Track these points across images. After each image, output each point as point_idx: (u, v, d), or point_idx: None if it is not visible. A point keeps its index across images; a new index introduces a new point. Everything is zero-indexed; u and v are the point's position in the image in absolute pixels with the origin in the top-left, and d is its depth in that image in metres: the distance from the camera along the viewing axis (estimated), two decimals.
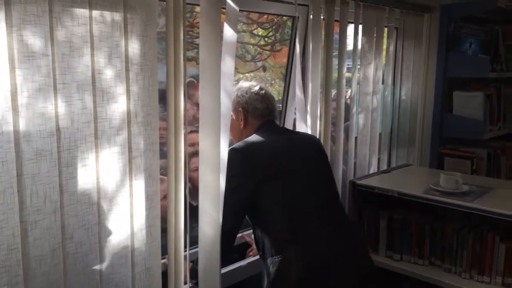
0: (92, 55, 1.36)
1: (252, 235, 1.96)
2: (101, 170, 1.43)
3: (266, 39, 3.48)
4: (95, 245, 1.43)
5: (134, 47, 1.46)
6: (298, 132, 2.04)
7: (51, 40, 1.27)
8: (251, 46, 4.44)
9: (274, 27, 3.56)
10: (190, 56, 2.39)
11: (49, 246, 1.33)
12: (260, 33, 4.13)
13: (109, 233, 1.47)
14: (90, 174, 1.40)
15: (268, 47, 3.47)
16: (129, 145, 1.49)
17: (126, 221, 1.51)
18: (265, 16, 3.31)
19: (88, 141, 1.38)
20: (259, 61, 4.57)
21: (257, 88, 1.91)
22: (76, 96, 1.34)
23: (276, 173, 1.73)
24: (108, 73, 1.41)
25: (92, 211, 1.42)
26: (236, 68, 4.69)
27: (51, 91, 1.28)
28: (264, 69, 4.37)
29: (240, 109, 1.89)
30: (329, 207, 1.79)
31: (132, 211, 1.52)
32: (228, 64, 1.73)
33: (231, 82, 1.75)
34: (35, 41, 1.23)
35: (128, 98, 1.47)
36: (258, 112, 1.88)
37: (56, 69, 1.29)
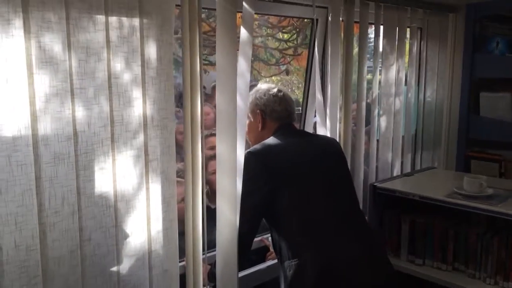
0: (109, 60, 1.39)
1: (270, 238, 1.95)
2: (118, 173, 1.45)
3: (288, 43, 3.48)
4: (113, 247, 1.45)
5: (150, 52, 1.48)
6: (317, 135, 2.03)
7: (68, 46, 1.30)
8: (276, 51, 4.43)
9: (296, 30, 3.55)
10: (214, 61, 2.40)
11: (67, 247, 1.35)
12: (285, 37, 4.13)
13: (126, 235, 1.49)
14: (107, 177, 1.42)
15: (290, 51, 3.46)
16: (145, 148, 1.51)
17: (143, 223, 1.53)
18: (287, 20, 3.31)
19: (105, 144, 1.41)
20: (283, 64, 4.57)
21: (275, 90, 1.90)
22: (93, 100, 1.37)
23: (292, 176, 1.72)
24: (125, 78, 1.43)
25: (110, 214, 1.44)
26: (259, 72, 4.72)
27: (68, 96, 1.31)
28: (287, 72, 4.37)
29: (258, 111, 1.88)
30: (346, 211, 1.77)
31: (149, 214, 1.54)
32: (243, 67, 1.74)
33: (246, 85, 1.76)
34: (52, 47, 1.26)
35: (144, 102, 1.49)
36: (276, 114, 1.87)
37: (73, 74, 1.32)
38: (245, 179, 1.72)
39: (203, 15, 2.01)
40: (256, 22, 3.21)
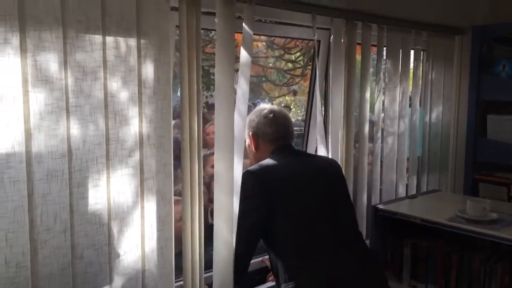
0: (106, 79, 1.41)
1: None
2: (112, 191, 1.45)
3: (295, 64, 3.51)
4: (105, 265, 1.45)
5: (148, 71, 1.50)
6: (316, 156, 2.02)
7: (64, 65, 1.32)
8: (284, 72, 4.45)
9: (303, 52, 3.58)
10: None
11: (59, 265, 1.35)
12: (293, 58, 4.15)
13: (119, 254, 1.49)
14: (101, 195, 1.43)
15: (298, 71, 3.48)
16: (141, 166, 1.51)
17: (137, 242, 1.52)
18: (293, 42, 3.34)
19: (100, 162, 1.42)
20: (292, 85, 4.59)
21: (266, 111, 1.88)
22: (88, 118, 1.38)
23: (290, 196, 1.70)
24: (121, 96, 1.45)
25: (103, 232, 1.44)
26: (268, 93, 4.73)
27: (64, 114, 1.33)
28: (295, 93, 4.38)
29: (250, 133, 1.88)
30: (344, 233, 1.74)
31: (144, 233, 1.54)
32: (242, 86, 1.75)
33: (245, 105, 1.76)
34: (48, 65, 1.28)
35: (141, 121, 1.50)
36: (268, 136, 1.85)
37: (69, 93, 1.34)
38: (242, 198, 1.71)
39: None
40: (264, 43, 3.25)
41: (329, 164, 1.90)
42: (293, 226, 1.68)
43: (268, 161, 1.79)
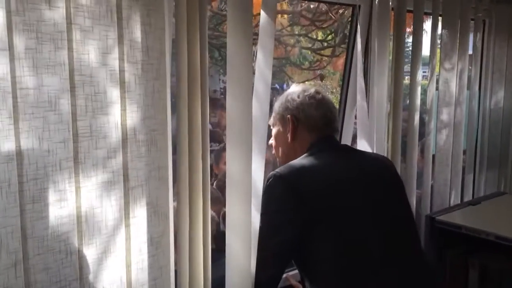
0: (71, 49, 1.01)
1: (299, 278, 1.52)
2: (84, 206, 1.06)
3: (324, 43, 3.04)
4: None
5: (133, 40, 1.09)
6: (366, 153, 1.54)
7: (9, 29, 0.92)
8: (309, 52, 4.00)
9: (336, 25, 3.11)
10: None
11: None
12: (320, 36, 3.69)
13: None
14: (67, 213, 1.03)
15: (327, 51, 3.00)
16: (124, 171, 1.11)
17: (121, 274, 1.13)
18: (325, 13, 2.88)
19: (65, 167, 1.02)
20: (318, 69, 4.11)
21: (312, 90, 1.46)
22: (46, 106, 0.98)
23: (333, 210, 1.27)
24: (95, 74, 1.04)
25: (71, 263, 1.05)
26: (291, 78, 4.27)
27: (9, 98, 0.93)
28: (322, 77, 3.91)
29: (288, 116, 1.44)
30: (404, 259, 1.29)
31: (130, 261, 1.14)
32: (263, 63, 1.32)
33: (267, 87, 1.34)
34: None
35: (124, 108, 1.09)
36: (312, 121, 1.42)
37: (17, 68, 0.94)
38: (270, 210, 1.29)
39: None
40: (287, 17, 2.79)
41: (384, 165, 1.44)
42: (337, 249, 1.25)
43: (303, 160, 1.35)
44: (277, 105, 1.48)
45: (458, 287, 1.70)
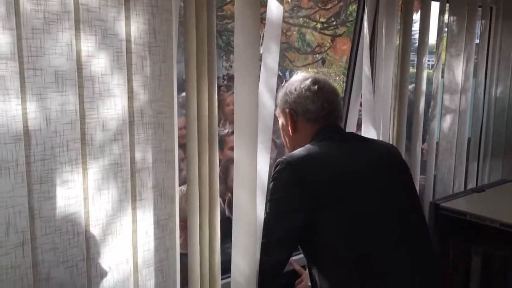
0: (78, 29, 1.00)
1: (306, 269, 1.52)
2: (91, 187, 1.06)
3: (326, 25, 3.02)
4: None
5: (139, 21, 1.08)
6: (372, 140, 1.53)
7: (16, 10, 0.91)
8: (311, 36, 3.96)
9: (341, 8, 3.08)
10: None
11: None
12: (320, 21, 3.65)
13: (102, 272, 1.10)
14: (74, 194, 1.03)
15: (329, 31, 2.98)
16: (131, 154, 1.11)
17: (127, 255, 1.13)
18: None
19: (72, 148, 1.02)
20: (318, 53, 4.08)
21: (308, 81, 1.43)
22: (53, 87, 0.98)
23: (340, 197, 1.27)
24: (101, 56, 1.04)
25: (78, 243, 1.05)
26: (291, 61, 4.22)
27: (16, 80, 0.93)
28: (323, 62, 3.87)
29: (287, 110, 1.44)
30: (413, 246, 1.30)
31: (136, 242, 1.15)
32: (270, 48, 1.31)
33: (274, 73, 1.33)
34: None
35: (130, 90, 1.09)
36: (310, 114, 1.40)
37: (24, 49, 0.93)
38: (274, 197, 1.29)
39: None
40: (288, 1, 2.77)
41: (390, 152, 1.44)
42: (345, 236, 1.24)
43: (310, 147, 1.34)
44: (279, 97, 1.46)
45: (460, 274, 1.71)
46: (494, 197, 1.89)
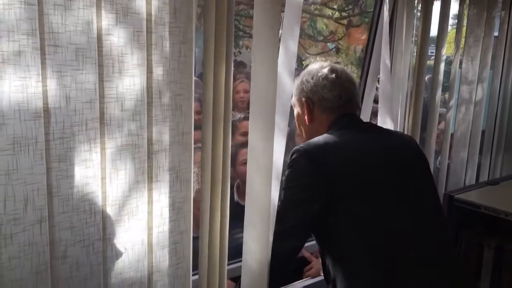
0: (99, 6, 0.98)
1: (316, 255, 1.52)
2: (109, 167, 1.05)
3: (343, 12, 2.98)
4: (98, 267, 1.07)
5: (159, 0, 1.07)
6: (390, 131, 1.51)
7: None
8: (323, 25, 3.93)
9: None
10: None
11: (32, 267, 0.98)
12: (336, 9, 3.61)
13: (117, 252, 1.10)
14: (92, 173, 1.03)
15: (344, 21, 2.94)
16: (148, 135, 1.10)
17: (143, 236, 1.13)
18: None
19: (91, 127, 1.01)
20: (332, 41, 4.04)
21: (325, 70, 1.41)
22: (74, 64, 0.97)
23: (356, 187, 1.25)
24: (121, 35, 1.02)
25: (95, 223, 1.05)
26: (305, 49, 4.18)
27: (37, 56, 0.92)
28: (337, 50, 3.83)
29: (303, 99, 1.42)
30: (431, 238, 1.28)
31: (151, 224, 1.15)
32: (289, 30, 1.29)
33: (293, 56, 1.31)
34: None
35: (150, 71, 1.08)
36: (327, 103, 1.38)
37: (45, 25, 0.93)
38: (290, 184, 1.28)
39: None
40: None
41: (409, 144, 1.41)
42: (361, 227, 1.23)
43: (327, 136, 1.32)
44: (294, 86, 1.44)
45: (472, 266, 1.70)
46: (509, 190, 1.87)
